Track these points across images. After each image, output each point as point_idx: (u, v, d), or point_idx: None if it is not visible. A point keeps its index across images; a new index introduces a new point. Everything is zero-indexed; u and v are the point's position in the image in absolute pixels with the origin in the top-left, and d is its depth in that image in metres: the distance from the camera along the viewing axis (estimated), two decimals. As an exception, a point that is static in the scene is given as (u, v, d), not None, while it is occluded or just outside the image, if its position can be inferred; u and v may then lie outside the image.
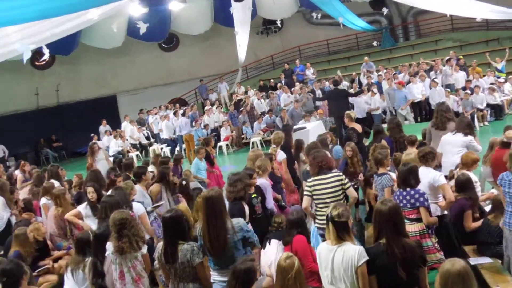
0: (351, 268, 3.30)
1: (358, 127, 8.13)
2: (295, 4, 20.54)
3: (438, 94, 12.62)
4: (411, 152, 5.54)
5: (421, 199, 4.41)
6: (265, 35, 23.36)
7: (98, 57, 20.68)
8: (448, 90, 13.06)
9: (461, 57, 15.19)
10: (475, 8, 14.81)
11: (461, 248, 4.98)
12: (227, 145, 15.18)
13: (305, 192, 4.93)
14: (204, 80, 21.66)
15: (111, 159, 11.18)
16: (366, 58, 17.90)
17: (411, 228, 4.35)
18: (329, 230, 3.42)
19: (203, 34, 21.07)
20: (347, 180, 4.89)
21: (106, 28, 16.34)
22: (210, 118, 16.28)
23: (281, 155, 6.98)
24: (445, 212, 4.92)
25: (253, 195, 5.16)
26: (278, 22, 19.35)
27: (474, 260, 4.59)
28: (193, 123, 15.15)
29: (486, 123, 12.47)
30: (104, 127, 17.34)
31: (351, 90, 13.92)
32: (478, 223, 4.94)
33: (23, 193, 8.44)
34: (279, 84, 17.80)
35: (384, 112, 13.64)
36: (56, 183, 7.76)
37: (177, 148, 15.47)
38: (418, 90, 13.04)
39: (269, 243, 4.71)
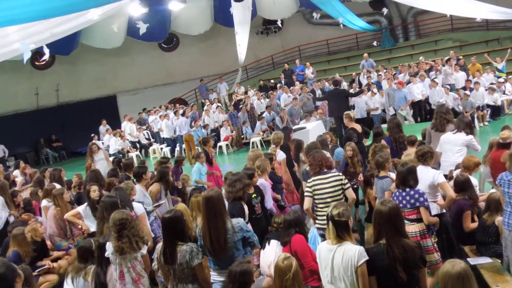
0: (351, 268, 3.30)
1: (358, 127, 8.13)
2: (295, 4, 20.53)
3: (437, 94, 12.62)
4: (411, 153, 5.55)
5: (421, 199, 4.41)
6: (265, 35, 23.36)
7: (98, 57, 20.68)
8: (448, 87, 13.05)
9: (461, 57, 15.19)
10: (475, 8, 14.81)
11: (460, 247, 4.99)
12: (227, 145, 15.18)
13: (305, 193, 4.93)
14: (204, 80, 21.66)
15: (111, 158, 11.15)
16: (365, 54, 17.91)
17: (411, 228, 4.35)
18: (329, 230, 3.42)
19: (203, 34, 21.07)
20: (346, 180, 4.92)
21: (106, 28, 16.34)
22: (210, 118, 16.28)
23: (280, 155, 6.99)
24: (444, 210, 4.93)
25: (253, 195, 5.17)
26: (279, 22, 19.35)
27: (474, 260, 4.59)
28: (193, 123, 15.14)
29: (486, 123, 12.48)
30: (104, 127, 17.36)
31: (351, 90, 13.92)
32: (477, 223, 4.95)
33: (24, 196, 8.44)
34: (279, 85, 17.81)
35: (384, 111, 13.62)
36: (58, 186, 7.76)
37: (177, 148, 15.47)
38: (418, 90, 13.04)
39: (269, 243, 4.71)
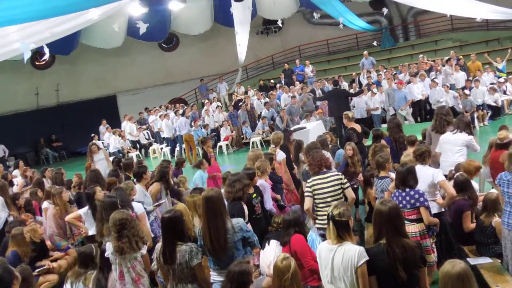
0: (350, 268, 3.29)
1: (358, 127, 8.13)
2: (295, 4, 20.53)
3: (438, 94, 12.62)
4: (411, 153, 5.54)
5: (421, 199, 4.42)
6: (265, 35, 23.36)
7: (98, 57, 20.67)
8: (448, 85, 13.05)
9: (461, 57, 15.19)
10: (475, 8, 14.81)
11: (459, 247, 4.99)
12: (227, 145, 15.18)
13: (306, 193, 4.93)
14: (204, 80, 21.66)
15: (111, 158, 11.15)
16: (365, 52, 17.89)
17: (411, 228, 4.35)
18: (330, 230, 3.42)
19: (203, 34, 21.07)
20: (345, 180, 4.93)
21: (106, 28, 16.34)
22: (210, 118, 16.29)
23: (280, 155, 7.00)
24: (443, 209, 4.94)
25: (253, 195, 5.17)
26: (279, 22, 19.35)
27: (473, 260, 4.59)
28: (192, 123, 15.14)
29: (486, 123, 12.47)
30: (104, 127, 17.35)
31: (351, 90, 13.92)
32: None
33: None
34: (278, 85, 17.81)
35: (384, 109, 13.61)
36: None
37: (177, 148, 15.47)
38: (418, 90, 13.03)
39: (268, 243, 4.71)
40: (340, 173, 5.04)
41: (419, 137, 7.35)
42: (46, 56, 11.38)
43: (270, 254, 4.58)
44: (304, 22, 22.78)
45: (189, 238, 4.13)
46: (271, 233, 4.87)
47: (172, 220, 3.85)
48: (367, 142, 8.56)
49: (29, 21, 9.02)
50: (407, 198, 4.45)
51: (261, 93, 17.20)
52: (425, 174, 4.83)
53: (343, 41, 21.60)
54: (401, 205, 4.35)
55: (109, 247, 4.30)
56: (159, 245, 4.01)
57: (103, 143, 15.50)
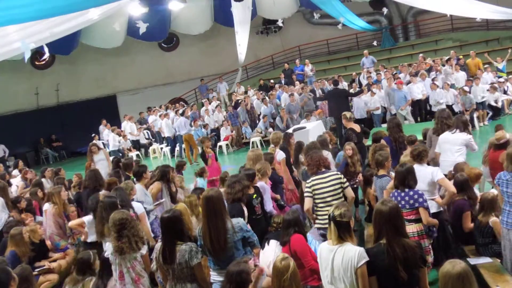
0: (350, 269, 3.29)
1: (357, 127, 8.13)
2: (295, 4, 20.53)
3: (438, 96, 12.60)
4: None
5: (420, 199, 4.42)
6: (265, 35, 23.35)
7: (98, 57, 20.67)
8: (448, 83, 13.05)
9: (461, 57, 15.19)
10: (475, 8, 14.81)
11: (456, 246, 4.99)
12: (227, 144, 15.19)
13: (305, 194, 4.93)
14: (204, 80, 21.66)
15: (111, 158, 11.14)
16: (365, 51, 17.88)
17: (410, 229, 4.34)
18: (331, 230, 3.42)
19: (203, 34, 21.06)
20: (345, 179, 4.93)
21: (106, 28, 16.34)
22: (210, 117, 16.28)
23: (280, 155, 7.00)
24: (441, 209, 4.94)
25: (254, 196, 5.17)
26: (280, 22, 19.34)
27: (474, 260, 4.59)
28: (192, 123, 15.14)
29: (486, 123, 12.47)
30: (103, 126, 17.32)
31: (351, 90, 13.91)
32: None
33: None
34: (277, 85, 17.80)
35: (384, 108, 13.58)
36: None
37: (177, 148, 15.47)
38: (418, 90, 13.03)
39: (268, 243, 4.71)
40: (339, 173, 5.05)
41: (419, 137, 7.35)
42: (46, 56, 11.36)
43: (270, 254, 4.58)
44: (304, 22, 22.78)
45: (189, 238, 4.13)
46: (270, 233, 4.87)
47: (172, 219, 3.85)
48: (367, 142, 8.56)
49: (29, 21, 9.01)
50: (406, 198, 4.45)
51: (261, 92, 17.20)
52: (424, 173, 4.84)
53: (343, 41, 21.60)
54: (400, 205, 4.35)
55: (109, 247, 4.30)
56: (158, 245, 4.01)
57: (103, 143, 15.49)
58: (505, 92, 13.42)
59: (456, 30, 19.42)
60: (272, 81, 19.28)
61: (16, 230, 5.66)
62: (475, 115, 12.32)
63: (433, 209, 4.76)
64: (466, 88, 12.55)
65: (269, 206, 5.53)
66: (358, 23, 19.34)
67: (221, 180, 6.75)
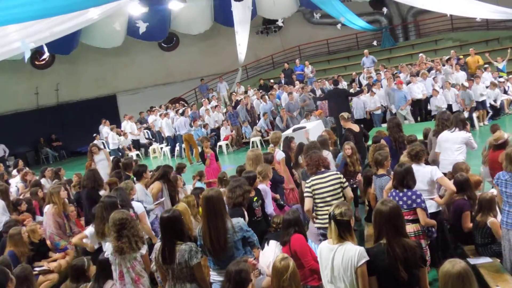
0: (350, 269, 3.29)
1: (355, 127, 8.13)
2: (295, 3, 20.53)
3: (438, 102, 12.60)
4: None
5: (418, 200, 4.41)
6: (265, 35, 23.35)
7: (98, 57, 20.67)
8: (449, 82, 13.05)
9: (461, 56, 15.19)
10: (475, 8, 14.81)
11: (455, 246, 4.99)
12: (227, 144, 15.19)
13: (305, 194, 4.93)
14: (204, 80, 21.66)
15: (111, 158, 11.15)
16: (366, 51, 17.87)
17: (407, 229, 4.32)
18: (331, 229, 3.41)
19: (203, 34, 21.06)
20: (345, 179, 4.94)
21: (106, 27, 16.33)
22: (211, 117, 16.28)
23: (279, 154, 7.00)
24: (440, 208, 4.93)
25: (254, 198, 5.16)
26: (280, 22, 19.33)
27: (474, 260, 4.59)
28: (192, 123, 15.14)
29: (486, 122, 12.47)
30: (103, 125, 17.32)
31: (351, 90, 13.91)
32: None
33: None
34: (275, 85, 17.78)
35: (385, 107, 13.58)
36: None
37: (177, 148, 15.47)
38: (418, 90, 13.03)
39: (268, 244, 4.70)
40: (339, 173, 5.05)
41: (420, 137, 7.35)
42: (46, 55, 11.36)
43: (270, 254, 4.57)
44: (304, 22, 22.78)
45: (189, 238, 4.13)
46: (270, 234, 4.86)
47: (171, 219, 3.84)
48: (368, 142, 8.56)
49: (29, 21, 9.01)
50: (404, 198, 4.44)
51: (260, 91, 17.20)
52: (423, 173, 4.83)
53: (343, 41, 21.60)
54: (397, 205, 4.35)
55: (108, 247, 4.29)
56: (158, 245, 4.00)
57: (103, 142, 15.50)
58: (505, 92, 13.42)
59: (456, 30, 19.42)
60: (272, 81, 19.27)
61: (15, 230, 5.65)
62: (475, 115, 12.32)
63: (432, 209, 4.76)
64: (466, 84, 12.55)
65: (270, 209, 5.53)
66: (358, 23, 19.34)
67: (220, 180, 6.75)
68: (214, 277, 4.07)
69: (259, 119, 15.51)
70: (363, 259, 3.27)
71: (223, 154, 14.87)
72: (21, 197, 8.48)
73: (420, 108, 13.22)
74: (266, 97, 15.94)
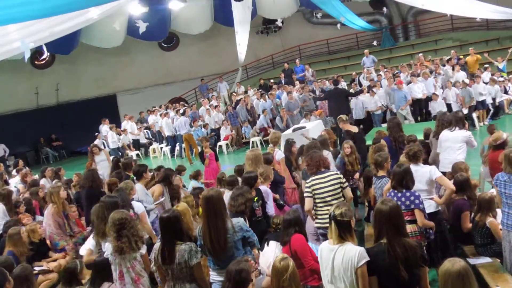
0: (350, 269, 3.28)
1: (354, 129, 8.13)
2: (295, 3, 20.53)
3: (438, 106, 12.60)
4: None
5: (416, 201, 4.41)
6: (265, 35, 23.35)
7: (98, 57, 20.68)
8: (451, 81, 13.04)
9: (462, 56, 15.18)
10: (475, 8, 14.81)
11: (455, 246, 4.99)
12: (226, 144, 15.19)
13: (305, 194, 4.93)
14: (204, 80, 21.66)
15: (111, 158, 11.15)
16: (366, 51, 17.86)
17: (405, 229, 4.34)
18: (332, 230, 3.41)
19: (203, 34, 21.06)
20: (344, 180, 4.94)
21: (106, 27, 16.34)
22: (211, 117, 16.28)
23: (279, 154, 6.99)
24: (439, 208, 4.93)
25: (255, 198, 5.16)
26: (280, 22, 19.32)
27: (473, 260, 4.59)
28: (192, 123, 15.14)
29: (486, 122, 12.46)
30: (103, 124, 17.31)
31: (351, 90, 13.90)
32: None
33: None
34: (275, 86, 17.78)
35: (386, 106, 13.57)
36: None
37: (177, 148, 15.47)
38: (419, 90, 13.02)
39: (267, 244, 4.70)
40: (339, 173, 5.05)
41: (420, 137, 7.35)
42: (46, 55, 11.36)
43: (270, 254, 4.57)
44: (304, 22, 22.78)
45: (189, 238, 4.12)
46: (270, 234, 4.86)
47: (171, 219, 3.83)
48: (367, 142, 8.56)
49: (29, 20, 9.00)
50: (402, 199, 4.44)
51: (260, 90, 17.20)
52: (421, 173, 4.83)
53: (343, 40, 21.60)
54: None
55: (108, 247, 4.29)
56: (157, 245, 4.00)
57: (103, 142, 15.49)
58: (505, 92, 13.42)
59: (456, 30, 19.42)
60: (272, 80, 19.26)
61: (14, 230, 5.64)
62: (475, 115, 12.32)
63: (431, 209, 4.75)
64: (467, 81, 12.53)
65: (271, 210, 5.53)
66: (358, 23, 19.34)
67: (218, 180, 6.73)
68: (214, 277, 4.07)
69: (259, 118, 15.51)
70: (363, 259, 3.27)
71: (223, 154, 14.87)
72: (20, 197, 8.47)
73: (420, 108, 13.21)
74: (266, 96, 15.94)
